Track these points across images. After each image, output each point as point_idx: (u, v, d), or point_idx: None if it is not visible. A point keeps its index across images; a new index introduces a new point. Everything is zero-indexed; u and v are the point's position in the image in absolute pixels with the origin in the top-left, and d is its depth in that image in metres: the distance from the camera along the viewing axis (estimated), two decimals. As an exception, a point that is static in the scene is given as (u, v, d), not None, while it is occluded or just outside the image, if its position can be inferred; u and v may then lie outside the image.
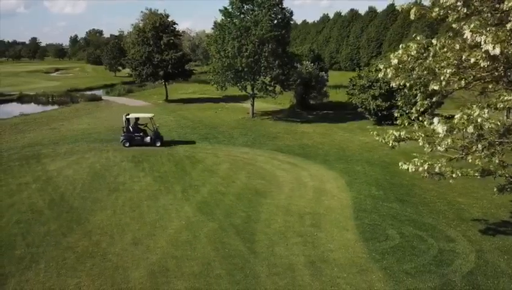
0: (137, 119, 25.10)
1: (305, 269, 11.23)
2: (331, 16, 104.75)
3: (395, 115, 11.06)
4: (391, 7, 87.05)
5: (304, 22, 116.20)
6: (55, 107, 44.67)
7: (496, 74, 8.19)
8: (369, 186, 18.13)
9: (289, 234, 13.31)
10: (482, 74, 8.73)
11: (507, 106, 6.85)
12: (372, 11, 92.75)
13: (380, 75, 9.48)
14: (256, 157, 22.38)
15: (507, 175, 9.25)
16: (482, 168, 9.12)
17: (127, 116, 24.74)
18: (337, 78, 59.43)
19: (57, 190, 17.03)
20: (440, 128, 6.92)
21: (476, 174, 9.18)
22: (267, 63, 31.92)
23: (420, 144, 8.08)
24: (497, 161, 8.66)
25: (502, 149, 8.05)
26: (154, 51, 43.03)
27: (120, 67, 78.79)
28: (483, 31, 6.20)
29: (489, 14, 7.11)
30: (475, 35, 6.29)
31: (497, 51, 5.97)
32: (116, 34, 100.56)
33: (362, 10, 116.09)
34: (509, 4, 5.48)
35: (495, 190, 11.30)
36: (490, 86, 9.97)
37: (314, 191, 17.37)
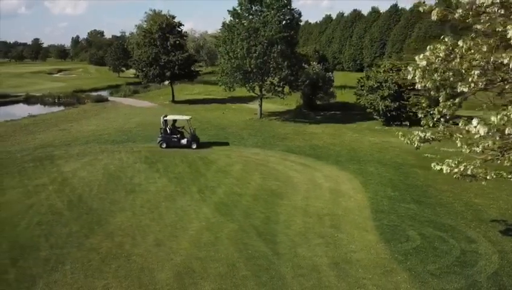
0: (174, 121, 25.28)
1: (329, 270, 11.27)
2: (333, 16, 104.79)
3: (419, 115, 11.09)
4: (394, 8, 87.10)
5: (307, 23, 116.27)
6: (62, 108, 44.75)
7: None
8: (384, 187, 18.16)
9: (310, 235, 13.35)
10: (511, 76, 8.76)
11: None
12: (375, 11, 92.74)
13: (409, 77, 9.51)
14: (268, 158, 22.42)
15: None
16: (517, 170, 9.18)
17: (165, 118, 24.83)
18: (341, 79, 59.46)
19: (74, 191, 17.08)
20: (481, 129, 6.97)
21: (510, 176, 9.21)
22: (276, 64, 31.98)
23: (458, 145, 8.12)
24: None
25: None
26: (161, 52, 43.11)
27: (124, 68, 78.88)
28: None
29: None
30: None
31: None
32: (118, 34, 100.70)
33: (365, 11, 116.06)
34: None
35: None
36: (507, 87, 10.01)
37: (330, 192, 17.41)
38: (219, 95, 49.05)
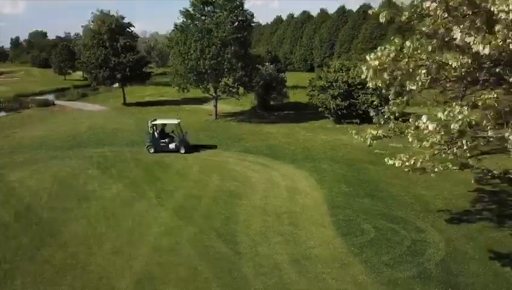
0: (164, 125, 24.56)
1: (290, 267, 11.52)
2: (284, 17, 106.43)
3: (371, 114, 11.63)
4: (341, 9, 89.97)
5: (257, 24, 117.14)
6: (3, 114, 42.14)
7: (469, 75, 8.88)
8: (339, 183, 18.77)
9: (270, 234, 13.56)
10: (453, 74, 9.41)
11: (486, 104, 7.48)
12: (324, 13, 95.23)
13: (363, 76, 9.96)
14: (226, 159, 22.45)
15: (483, 168, 10.05)
16: (461, 162, 9.86)
17: (153, 122, 24.11)
18: (293, 79, 60.44)
19: (22, 201, 16.21)
20: (430, 125, 7.44)
21: (455, 168, 9.89)
22: (230, 65, 32.04)
23: (410, 140, 8.60)
24: (467, 155, 9.39)
25: (477, 145, 8.76)
26: (110, 54, 41.77)
27: (70, 71, 75.56)
28: (472, 32, 6.75)
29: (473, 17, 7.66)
30: (464, 36, 6.82)
31: (486, 51, 6.53)
32: (62, 35, 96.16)
33: (314, 12, 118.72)
34: (499, 8, 6.03)
35: (472, 181, 12.15)
36: (448, 85, 10.77)
37: (288, 190, 17.74)
38: (172, 96, 48.28)
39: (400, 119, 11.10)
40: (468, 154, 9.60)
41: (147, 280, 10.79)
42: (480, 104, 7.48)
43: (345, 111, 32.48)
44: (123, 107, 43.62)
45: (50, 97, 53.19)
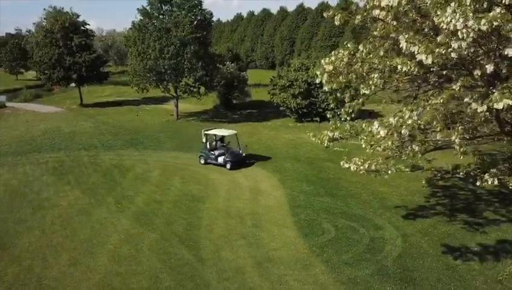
0: (222, 136, 22.66)
1: (253, 271, 11.58)
2: (244, 15, 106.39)
3: (328, 116, 11.85)
4: (300, 7, 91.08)
5: (218, 21, 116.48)
6: None
7: (419, 79, 9.25)
8: (300, 182, 19.06)
9: (233, 237, 13.56)
10: (404, 78, 9.77)
11: (434, 108, 7.82)
12: (283, 10, 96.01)
13: (317, 80, 10.13)
14: (188, 162, 22.22)
15: (433, 169, 10.50)
16: (412, 164, 10.26)
17: (206, 132, 22.43)
18: (255, 77, 60.64)
19: (-30, 213, 15.32)
20: (382, 131, 7.69)
21: (407, 169, 10.28)
22: (190, 65, 31.68)
23: (363, 146, 8.85)
24: (419, 157, 9.81)
25: (427, 147, 9.16)
26: (65, 53, 40.14)
27: (23, 70, 72.01)
28: (416, 42, 7.02)
29: (418, 26, 7.98)
30: (409, 45, 7.10)
31: (430, 60, 6.81)
32: (13, 32, 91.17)
33: (274, 9, 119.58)
34: (439, 20, 6.30)
35: (423, 182, 12.68)
36: (401, 85, 11.19)
37: (250, 191, 17.81)
38: (132, 96, 47.13)
39: (356, 121, 11.39)
40: (419, 155, 10.01)
41: (106, 291, 10.51)
42: (428, 108, 7.81)
43: (305, 110, 32.94)
44: (80, 109, 42.13)
45: (1, 99, 50.49)
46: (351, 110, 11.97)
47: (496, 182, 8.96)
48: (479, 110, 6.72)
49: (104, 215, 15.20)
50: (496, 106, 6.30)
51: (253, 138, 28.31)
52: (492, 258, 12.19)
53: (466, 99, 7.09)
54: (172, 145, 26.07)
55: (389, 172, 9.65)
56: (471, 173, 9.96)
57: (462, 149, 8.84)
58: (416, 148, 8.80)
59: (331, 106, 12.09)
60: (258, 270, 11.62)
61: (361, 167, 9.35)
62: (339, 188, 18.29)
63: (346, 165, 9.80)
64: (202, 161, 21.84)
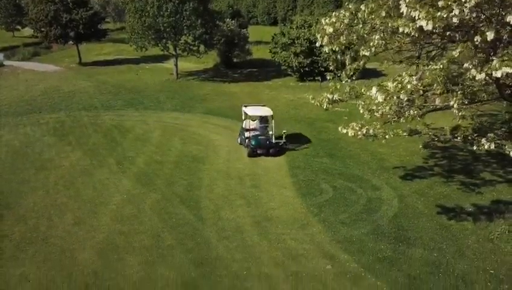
0: (246, 114, 18.51)
1: (252, 230, 11.93)
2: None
3: (328, 78, 11.74)
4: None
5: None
6: None
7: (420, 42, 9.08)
8: (301, 143, 19.14)
9: (232, 197, 13.85)
10: (406, 40, 9.59)
11: (434, 74, 7.72)
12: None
13: (317, 44, 9.96)
14: (188, 122, 22.24)
15: (430, 133, 10.53)
16: (410, 128, 10.28)
17: (244, 109, 18.73)
18: (256, 34, 59.22)
19: (-26, 173, 15.58)
20: (380, 97, 7.65)
21: (405, 134, 10.31)
22: (189, 22, 30.89)
23: (361, 112, 8.83)
24: (417, 120, 9.82)
25: (426, 112, 9.14)
26: (61, 10, 39.02)
27: (19, 27, 70.30)
28: (417, 7, 6.83)
29: None
30: (410, 10, 6.91)
31: (430, 27, 6.66)
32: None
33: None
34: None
35: (420, 146, 12.74)
36: (403, 46, 10.99)
37: (250, 152, 17.93)
38: (131, 54, 46.13)
39: (357, 82, 11.29)
40: (418, 119, 10.02)
41: (110, 250, 10.88)
42: (428, 74, 7.71)
43: (307, 69, 32.46)
44: (79, 68, 41.55)
45: (-1, 57, 49.72)
46: (351, 73, 11.85)
47: (492, 147, 9.02)
48: (477, 78, 6.65)
49: (106, 176, 15.44)
50: (494, 74, 6.23)
51: (254, 99, 28.06)
52: (486, 219, 12.49)
53: (465, 65, 6.99)
54: (172, 105, 25.97)
55: (387, 137, 9.70)
56: (469, 138, 10.00)
57: (460, 113, 8.84)
58: (415, 113, 8.79)
59: (331, 68, 11.91)
60: (256, 229, 11.96)
61: (359, 132, 9.38)
62: (338, 149, 18.41)
63: (344, 131, 9.84)
64: (238, 140, 18.71)
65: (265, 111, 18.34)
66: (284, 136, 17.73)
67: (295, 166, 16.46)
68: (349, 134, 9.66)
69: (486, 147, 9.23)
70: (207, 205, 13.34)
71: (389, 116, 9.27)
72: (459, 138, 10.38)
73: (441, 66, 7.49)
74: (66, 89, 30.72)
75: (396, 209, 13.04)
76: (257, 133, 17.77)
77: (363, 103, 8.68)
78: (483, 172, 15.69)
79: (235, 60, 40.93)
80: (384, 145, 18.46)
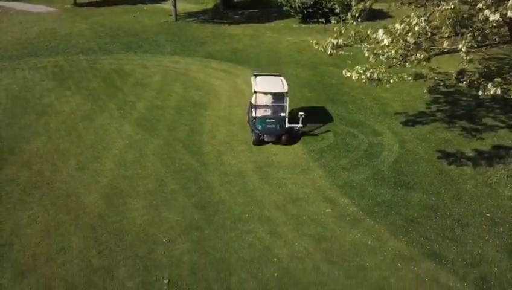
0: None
1: (254, 175, 12.10)
2: None
3: (333, 21, 11.30)
4: None
5: None
6: None
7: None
8: (302, 88, 18.89)
9: (234, 143, 13.90)
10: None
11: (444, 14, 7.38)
12: None
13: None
14: (189, 67, 21.79)
15: (436, 78, 10.30)
16: (416, 72, 10.04)
17: (256, 77, 14.66)
18: (258, -28, 56.51)
19: (-26, 119, 15.55)
20: (386, 40, 7.38)
21: (410, 78, 10.09)
22: (187, -41, 29.28)
23: (366, 55, 8.56)
24: (424, 64, 9.56)
25: (432, 55, 8.85)
26: None
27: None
28: None
29: None
30: None
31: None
32: None
33: None
34: None
35: (424, 91, 12.50)
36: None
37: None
38: (128, -6, 44.51)
39: (362, 26, 10.85)
40: (424, 63, 9.76)
41: (114, 194, 11.11)
42: (437, 15, 7.37)
43: (310, 10, 31.23)
44: (74, 9, 40.03)
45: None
46: (357, 14, 11.38)
47: (498, 92, 8.84)
48: (491, 19, 6.35)
49: (107, 121, 15.41)
50: (510, 14, 5.93)
51: (255, 42, 27.38)
52: (486, 164, 12.61)
53: (479, 5, 6.66)
54: (171, 48, 25.31)
55: (391, 81, 9.50)
56: (475, 82, 9.79)
57: (468, 57, 8.58)
58: (422, 56, 8.53)
59: (337, 10, 11.42)
60: (258, 174, 12.13)
61: (363, 76, 9.18)
62: (341, 94, 18.19)
63: (348, 74, 9.62)
64: (246, 118, 15.08)
65: (279, 85, 14.01)
66: (301, 120, 13.59)
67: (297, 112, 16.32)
68: (353, 77, 9.46)
69: (492, 92, 9.05)
70: (209, 150, 13.42)
71: (394, 60, 9.02)
72: (464, 82, 10.16)
73: (452, 5, 7.14)
74: (63, 31, 29.81)
75: (397, 155, 13.12)
76: (267, 113, 13.80)
77: (368, 46, 8.40)
78: (486, 117, 15.59)
79: (235, 0, 39.37)
80: (388, 90, 18.19)
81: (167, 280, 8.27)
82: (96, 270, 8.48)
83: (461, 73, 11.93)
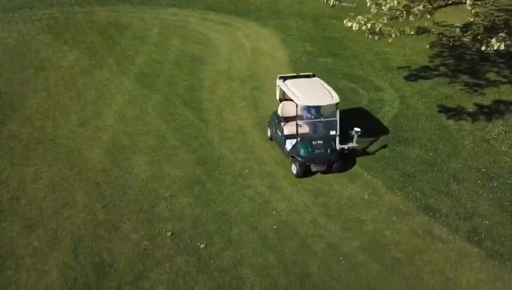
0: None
1: (254, 131, 12.19)
2: None
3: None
4: None
5: None
6: None
7: None
8: (304, 42, 18.54)
9: (234, 99, 13.88)
10: None
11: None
12: None
13: None
14: (187, 19, 21.24)
15: (438, 32, 10.07)
16: (418, 26, 9.81)
17: (282, 80, 11.12)
18: None
19: (-27, 74, 15.43)
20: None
21: (412, 32, 9.88)
22: None
23: (368, 4, 8.32)
24: (427, 17, 9.33)
25: (436, 7, 8.63)
26: None
27: None
28: None
29: None
30: None
31: None
32: None
33: None
34: None
35: (427, 46, 12.28)
36: None
37: (252, 52, 17.48)
38: None
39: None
40: (428, 16, 9.54)
41: (116, 149, 11.26)
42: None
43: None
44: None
45: None
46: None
47: (502, 47, 8.72)
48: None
49: (107, 76, 15.29)
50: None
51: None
52: (485, 119, 12.65)
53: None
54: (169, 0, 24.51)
55: (393, 35, 9.32)
56: (479, 37, 9.61)
57: (473, 10, 8.37)
58: (425, 8, 8.32)
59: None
60: (258, 130, 12.22)
61: (364, 27, 9.00)
62: (343, 48, 17.89)
63: (349, 24, 9.42)
64: (268, 134, 11.74)
65: (326, 93, 10.32)
66: (355, 138, 10.20)
67: (298, 66, 16.10)
68: (354, 28, 9.28)
69: (495, 47, 8.93)
70: (209, 106, 13.43)
71: (397, 12, 8.80)
72: (468, 37, 9.97)
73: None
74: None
75: (397, 111, 13.13)
76: (304, 131, 10.48)
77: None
78: (489, 72, 15.42)
79: None
80: (390, 45, 17.79)
81: (170, 233, 8.58)
82: (101, 224, 8.79)
83: (466, 26, 11.66)
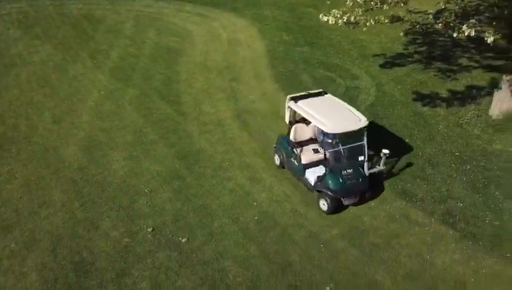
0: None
1: (233, 123, 12.18)
2: None
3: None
4: None
5: None
6: None
7: None
8: (280, 31, 18.53)
9: (212, 91, 13.82)
10: None
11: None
12: None
13: None
14: (162, 11, 20.90)
15: (412, 20, 10.22)
16: (392, 15, 9.94)
17: (293, 102, 9.80)
18: None
19: None
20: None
21: (387, 21, 10.01)
22: None
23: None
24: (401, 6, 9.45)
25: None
26: None
27: None
28: None
29: None
30: None
31: None
32: None
33: None
34: None
35: (401, 34, 12.49)
36: None
37: (229, 43, 17.38)
38: None
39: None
40: (402, 4, 9.66)
41: (93, 146, 11.09)
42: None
43: None
44: None
45: None
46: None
47: (472, 33, 8.92)
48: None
49: (81, 71, 14.97)
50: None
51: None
52: (458, 104, 12.98)
53: None
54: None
55: (368, 24, 9.43)
56: (451, 24, 9.79)
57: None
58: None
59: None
60: (237, 122, 12.22)
61: (340, 21, 9.07)
62: (319, 37, 17.96)
63: (325, 18, 9.48)
64: (277, 162, 10.36)
65: (350, 115, 9.13)
66: (383, 160, 9.28)
67: (275, 56, 16.17)
68: (330, 22, 9.34)
69: (466, 33, 9.12)
70: (187, 99, 13.33)
71: (372, 2, 8.89)
72: (440, 24, 10.15)
73: None
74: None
75: (373, 98, 13.32)
76: (319, 156, 9.47)
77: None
78: (461, 58, 15.77)
79: None
80: (366, 33, 17.88)
81: (151, 229, 8.55)
82: (80, 222, 8.68)
83: (439, 13, 11.85)
